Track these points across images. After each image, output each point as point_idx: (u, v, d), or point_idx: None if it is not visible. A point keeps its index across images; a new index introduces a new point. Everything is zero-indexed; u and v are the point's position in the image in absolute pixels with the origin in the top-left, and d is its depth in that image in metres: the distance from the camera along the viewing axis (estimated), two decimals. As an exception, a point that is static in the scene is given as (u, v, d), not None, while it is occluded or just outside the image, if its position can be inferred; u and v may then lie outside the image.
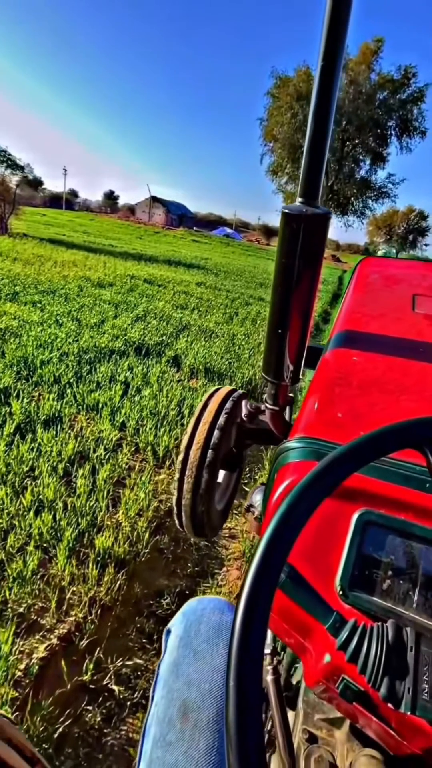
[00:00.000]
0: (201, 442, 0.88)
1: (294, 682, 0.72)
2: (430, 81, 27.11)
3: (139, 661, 1.40)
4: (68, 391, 2.93)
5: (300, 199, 0.61)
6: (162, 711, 0.56)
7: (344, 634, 0.38)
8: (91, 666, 1.32)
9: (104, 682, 1.31)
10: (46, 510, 1.82)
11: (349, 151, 28.49)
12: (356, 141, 27.97)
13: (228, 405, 0.95)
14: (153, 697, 0.59)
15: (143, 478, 2.15)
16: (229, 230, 54.94)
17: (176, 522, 0.95)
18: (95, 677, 1.31)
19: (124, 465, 2.28)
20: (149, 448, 2.46)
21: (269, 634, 0.73)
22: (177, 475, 0.90)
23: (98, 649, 1.37)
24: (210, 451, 0.87)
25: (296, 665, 0.73)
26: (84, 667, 1.31)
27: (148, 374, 3.48)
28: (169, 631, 0.67)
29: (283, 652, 0.77)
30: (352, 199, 30.36)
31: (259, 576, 0.31)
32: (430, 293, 1.10)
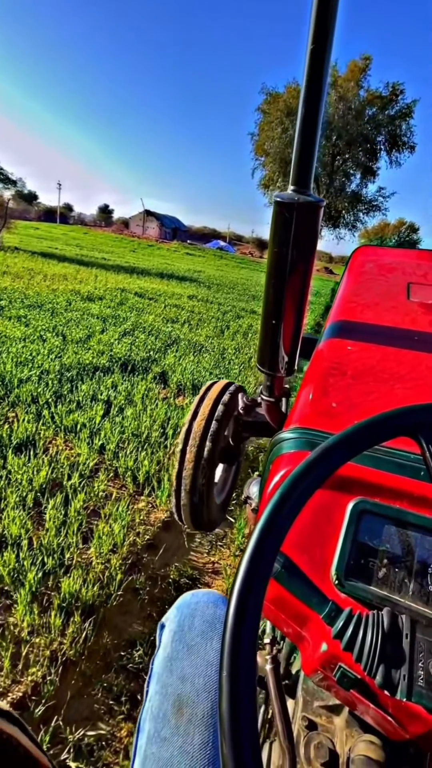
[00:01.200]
0: (198, 435, 0.87)
1: (294, 671, 0.73)
2: (417, 97, 27.62)
3: (103, 728, 1.24)
4: (45, 411, 2.78)
5: (292, 187, 0.60)
6: (156, 706, 0.55)
7: (340, 623, 0.39)
8: (47, 738, 1.15)
9: (62, 757, 1.14)
10: (8, 548, 1.66)
11: (340, 165, 28.93)
12: (346, 155, 28.44)
13: (225, 398, 0.94)
14: (147, 692, 0.59)
15: (120, 508, 2.00)
16: (222, 243, 55.41)
17: (174, 514, 0.94)
18: (50, 752, 1.14)
19: (100, 493, 2.12)
20: (128, 473, 2.31)
21: (269, 624, 0.75)
22: (175, 467, 0.89)
23: (56, 717, 1.21)
24: (208, 443, 0.87)
25: (295, 654, 0.74)
26: (38, 740, 1.15)
27: (132, 392, 3.34)
28: (163, 626, 0.66)
29: (282, 642, 0.77)
30: (344, 212, 30.76)
31: (253, 565, 0.31)
32: (425, 281, 1.09)
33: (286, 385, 0.91)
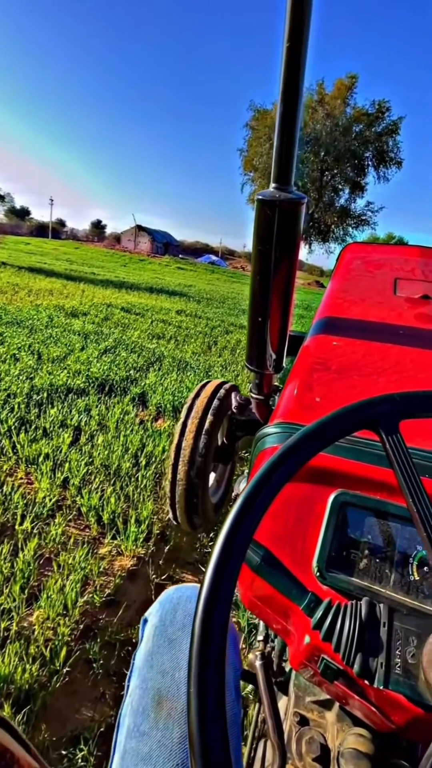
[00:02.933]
0: (192, 434, 0.85)
1: (287, 669, 0.72)
2: (403, 114, 28.26)
3: None
4: (6, 441, 2.53)
5: (273, 185, 0.60)
6: (136, 701, 0.55)
7: (319, 614, 0.40)
8: None
9: None
10: None
11: (329, 180, 29.44)
12: (335, 171, 28.99)
13: (218, 397, 0.92)
14: (128, 687, 0.59)
15: (77, 556, 1.75)
16: (214, 257, 55.85)
17: (170, 514, 0.86)
18: None
19: (57, 538, 1.87)
20: (92, 513, 2.06)
21: (262, 622, 0.74)
22: (170, 463, 0.84)
23: None
24: (201, 441, 0.84)
25: (287, 651, 0.72)
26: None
27: (107, 416, 3.10)
28: (146, 621, 0.66)
29: (276, 639, 0.76)
30: (333, 226, 31.15)
31: (224, 555, 0.31)
32: (412, 276, 1.11)
33: (275, 383, 0.89)
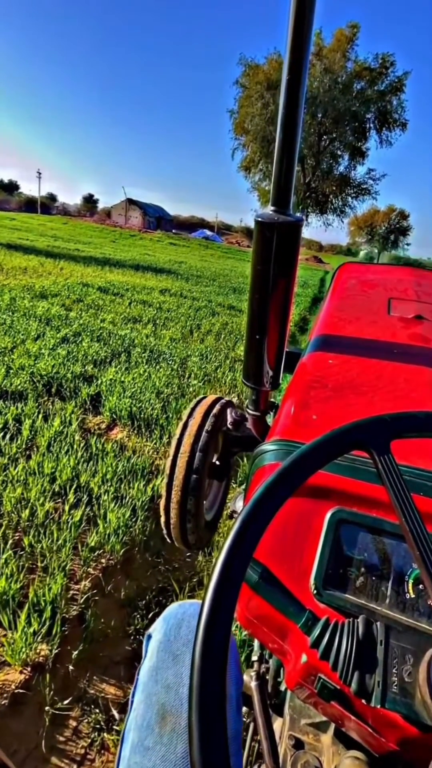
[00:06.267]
0: (187, 452, 0.87)
1: (282, 689, 0.72)
2: (409, 69, 26.11)
3: None
4: None
5: (272, 208, 0.63)
6: (141, 716, 0.55)
7: (316, 632, 0.39)
8: None
9: None
10: None
11: (327, 145, 27.45)
12: (333, 135, 26.94)
13: (213, 413, 0.93)
14: (132, 702, 0.59)
15: None
16: (209, 232, 53.91)
17: (164, 532, 0.92)
18: None
19: None
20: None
21: (257, 642, 0.75)
22: (165, 482, 0.88)
23: None
24: (197, 459, 0.86)
25: (282, 672, 0.72)
26: None
27: (40, 430, 2.47)
28: (149, 636, 0.65)
29: (271, 660, 0.76)
30: (331, 196, 29.56)
31: (225, 573, 0.32)
32: (406, 297, 1.16)
33: (272, 399, 0.91)
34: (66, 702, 1.24)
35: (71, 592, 1.54)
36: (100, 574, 1.64)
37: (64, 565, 1.58)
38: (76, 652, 1.36)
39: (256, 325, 0.70)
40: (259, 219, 0.62)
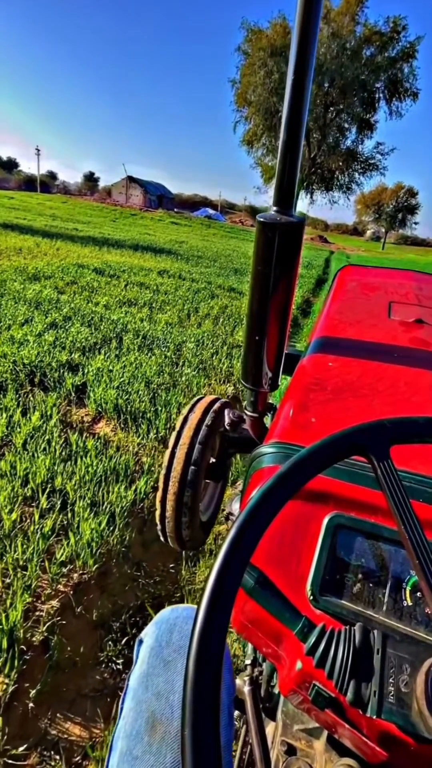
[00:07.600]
0: (184, 452, 0.86)
1: (276, 693, 0.71)
2: (422, 33, 24.31)
3: None
4: None
5: (274, 208, 0.63)
6: (130, 724, 0.54)
7: (312, 639, 0.39)
8: None
9: None
10: None
11: (333, 117, 26.07)
12: (341, 106, 25.50)
13: (211, 414, 0.92)
14: (122, 709, 0.57)
15: None
16: (211, 211, 52.63)
17: (159, 533, 0.91)
18: None
19: None
20: None
21: (250, 645, 0.74)
22: (161, 485, 0.86)
23: None
24: (193, 460, 0.85)
25: (276, 676, 0.71)
26: None
27: (18, 425, 2.29)
28: (141, 641, 0.64)
29: (264, 664, 0.75)
30: (337, 172, 28.46)
31: (222, 578, 0.31)
32: (406, 300, 1.16)
33: (270, 401, 0.91)
34: (21, 748, 1.10)
35: (37, 612, 1.38)
36: (71, 591, 1.48)
37: (29, 584, 1.42)
38: (37, 687, 1.21)
39: (256, 326, 0.70)
40: (261, 219, 0.62)
